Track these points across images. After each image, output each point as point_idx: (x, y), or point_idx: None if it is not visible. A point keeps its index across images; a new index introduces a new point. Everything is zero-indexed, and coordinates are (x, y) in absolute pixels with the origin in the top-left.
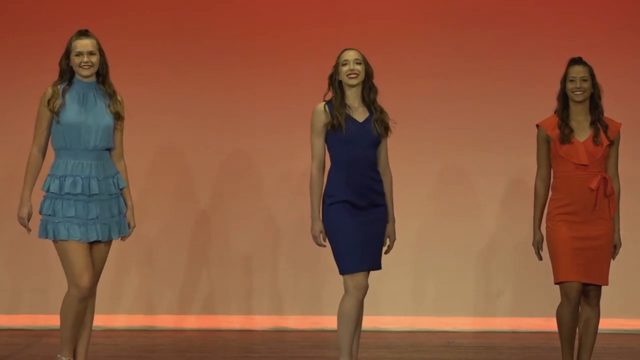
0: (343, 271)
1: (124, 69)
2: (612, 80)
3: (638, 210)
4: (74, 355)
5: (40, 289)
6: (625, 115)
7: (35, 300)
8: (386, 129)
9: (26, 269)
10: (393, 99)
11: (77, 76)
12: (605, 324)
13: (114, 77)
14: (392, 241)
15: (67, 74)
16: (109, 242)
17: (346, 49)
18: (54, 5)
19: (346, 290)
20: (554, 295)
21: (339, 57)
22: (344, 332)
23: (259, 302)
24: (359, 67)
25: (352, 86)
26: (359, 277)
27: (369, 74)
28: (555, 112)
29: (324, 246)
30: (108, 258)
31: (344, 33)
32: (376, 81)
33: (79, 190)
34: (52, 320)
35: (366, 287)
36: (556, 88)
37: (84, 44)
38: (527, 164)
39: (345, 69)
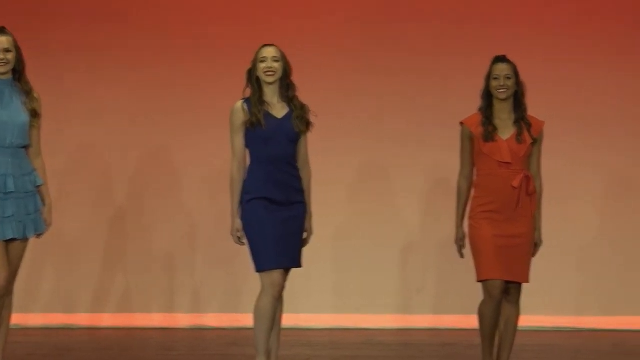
0: (259, 268)
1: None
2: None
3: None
4: None
5: None
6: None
7: None
8: (307, 124)
9: None
10: (310, 95)
11: None
12: (525, 321)
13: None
14: (309, 236)
15: None
16: (25, 240)
17: (264, 45)
18: None
19: (262, 288)
20: (474, 292)
21: (257, 53)
22: (260, 330)
23: (178, 299)
24: (276, 65)
25: (270, 84)
26: (275, 274)
27: (287, 71)
28: (479, 110)
29: (243, 244)
30: (25, 255)
31: (263, 30)
32: (295, 76)
33: None
34: None
35: (282, 285)
36: (478, 84)
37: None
38: (448, 160)
39: (262, 66)
